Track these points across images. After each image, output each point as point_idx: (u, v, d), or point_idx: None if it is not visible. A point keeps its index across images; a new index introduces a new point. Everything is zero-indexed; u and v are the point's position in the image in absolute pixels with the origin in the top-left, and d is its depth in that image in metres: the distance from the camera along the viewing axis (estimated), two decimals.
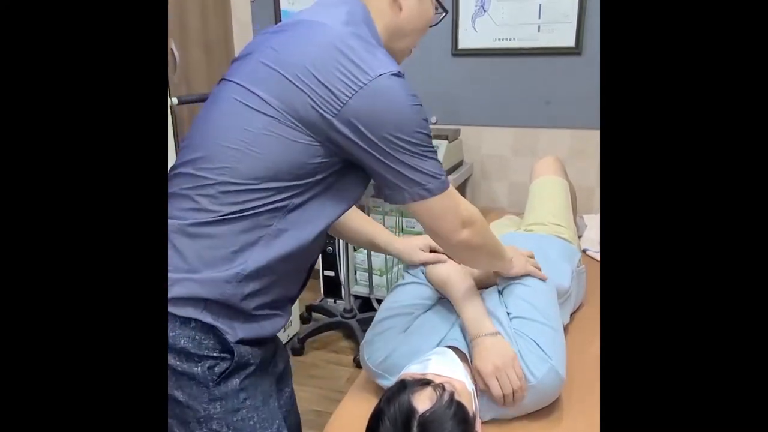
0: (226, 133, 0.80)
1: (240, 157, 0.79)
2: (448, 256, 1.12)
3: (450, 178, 2.08)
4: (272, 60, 0.80)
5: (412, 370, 0.93)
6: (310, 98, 0.76)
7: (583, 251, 1.86)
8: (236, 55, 0.95)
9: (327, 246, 2.32)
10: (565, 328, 1.24)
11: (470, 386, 0.93)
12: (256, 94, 0.79)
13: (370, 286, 2.33)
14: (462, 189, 2.36)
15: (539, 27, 2.15)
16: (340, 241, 2.21)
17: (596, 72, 2.11)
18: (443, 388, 0.84)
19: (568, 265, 1.35)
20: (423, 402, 0.82)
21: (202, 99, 1.61)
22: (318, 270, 2.57)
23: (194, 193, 0.81)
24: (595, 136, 2.18)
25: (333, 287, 2.38)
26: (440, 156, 2.04)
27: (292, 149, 0.79)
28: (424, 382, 0.86)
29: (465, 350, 1.02)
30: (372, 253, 2.32)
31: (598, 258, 1.79)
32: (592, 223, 2.05)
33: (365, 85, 0.76)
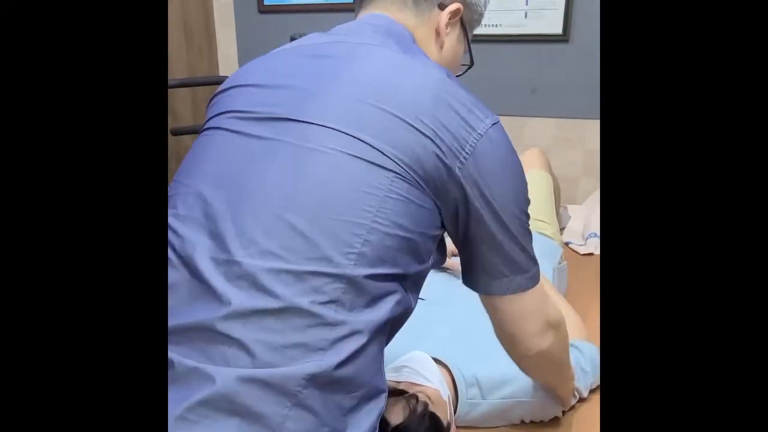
0: (336, 203, 0.57)
1: (366, 236, 0.57)
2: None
3: None
4: (374, 97, 0.60)
5: (387, 376, 0.92)
6: (437, 146, 0.60)
7: (566, 244, 1.86)
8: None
9: None
10: None
11: (446, 394, 0.92)
12: (368, 144, 0.59)
13: None
14: None
15: (526, 13, 2.11)
16: None
17: (584, 60, 2.08)
18: (416, 399, 0.84)
19: (549, 264, 1.34)
20: (396, 415, 0.81)
21: (195, 131, 1.44)
22: None
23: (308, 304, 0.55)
24: (580, 125, 2.16)
25: None
26: None
27: (421, 216, 0.61)
28: (398, 393, 0.85)
29: (444, 360, 1.01)
30: None
31: (581, 251, 1.78)
32: (576, 214, 2.04)
33: (484, 133, 0.63)
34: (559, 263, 1.41)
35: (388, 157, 0.58)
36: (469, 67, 0.86)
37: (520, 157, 1.64)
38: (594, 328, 1.30)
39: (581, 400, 1.05)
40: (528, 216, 0.70)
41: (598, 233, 1.81)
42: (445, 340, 1.05)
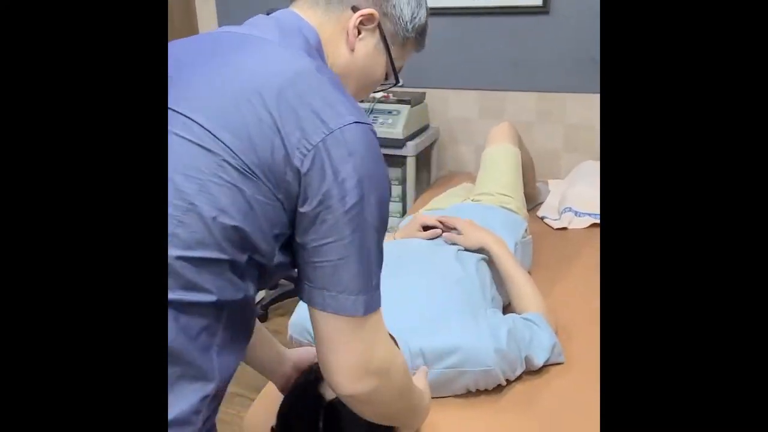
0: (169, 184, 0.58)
1: (181, 218, 0.57)
2: None
3: (414, 142, 2.04)
4: (225, 81, 0.61)
5: None
6: (276, 133, 0.58)
7: (541, 218, 1.85)
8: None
9: None
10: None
11: None
12: (202, 126, 0.58)
13: None
14: (428, 153, 2.33)
15: None
16: None
17: (564, 32, 2.05)
18: None
19: (511, 238, 1.34)
20: (330, 390, 0.81)
21: None
22: None
23: None
24: (562, 99, 2.13)
25: None
26: (401, 121, 2.01)
27: (253, 208, 0.59)
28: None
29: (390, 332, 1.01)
30: None
31: (555, 225, 1.78)
32: (556, 188, 2.03)
33: (336, 129, 0.60)
34: (523, 237, 1.41)
35: (220, 141, 0.58)
36: (394, 85, 0.84)
37: (490, 133, 1.61)
38: (558, 301, 1.31)
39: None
40: (380, 234, 0.63)
41: (573, 208, 1.80)
42: (392, 312, 1.05)
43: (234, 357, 0.65)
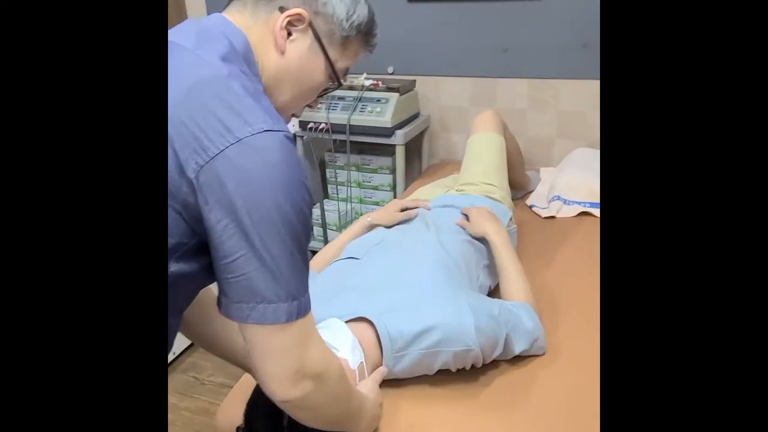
0: None
1: None
2: None
3: (404, 131, 2.02)
4: None
5: None
6: (170, 143, 0.57)
7: (530, 207, 1.83)
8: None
9: None
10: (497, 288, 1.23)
11: (356, 362, 0.92)
12: None
13: (325, 240, 2.32)
14: (419, 142, 2.31)
15: None
16: None
17: (556, 18, 2.01)
18: None
19: None
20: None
21: None
22: None
23: None
24: (554, 85, 2.10)
25: None
26: (389, 110, 1.98)
27: None
28: None
29: (370, 316, 1.00)
30: (326, 207, 2.29)
31: (543, 214, 1.76)
32: (547, 177, 2.00)
33: (242, 138, 0.58)
34: (508, 226, 1.39)
35: None
36: (336, 88, 0.81)
37: (474, 121, 1.61)
38: (544, 290, 1.29)
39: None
40: (298, 241, 0.62)
41: (562, 196, 1.77)
42: (372, 295, 1.04)
43: None
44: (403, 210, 1.36)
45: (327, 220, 2.29)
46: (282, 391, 0.64)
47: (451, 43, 2.19)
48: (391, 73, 2.30)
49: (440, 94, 2.27)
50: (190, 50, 0.64)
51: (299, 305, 0.63)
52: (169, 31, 0.68)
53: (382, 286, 1.05)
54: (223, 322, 0.90)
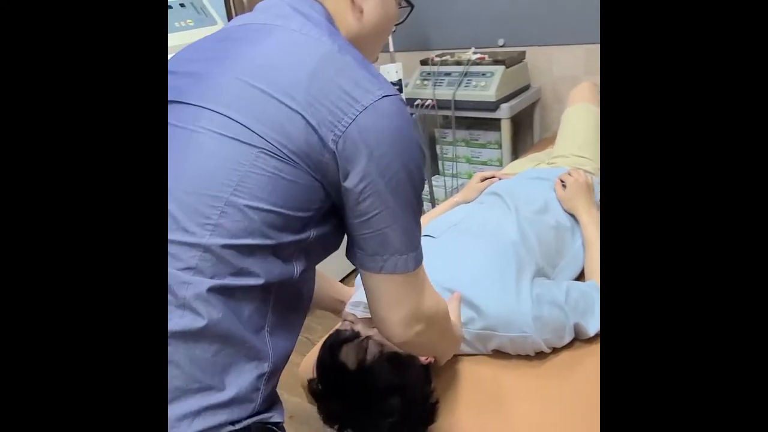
0: (199, 179, 0.62)
1: (224, 208, 0.61)
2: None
3: (510, 104, 1.99)
4: (254, 77, 0.63)
5: (356, 299, 0.98)
6: (306, 120, 0.61)
7: None
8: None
9: None
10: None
11: None
12: (238, 122, 0.62)
13: None
14: (529, 115, 2.25)
15: None
16: None
17: None
18: (368, 342, 0.86)
19: None
20: (350, 360, 0.85)
21: None
22: None
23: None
24: None
25: None
26: (494, 83, 1.96)
27: (292, 191, 0.63)
28: (353, 336, 0.88)
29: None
30: (434, 182, 2.33)
31: None
32: None
33: (369, 105, 0.62)
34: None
35: (255, 133, 0.61)
36: (411, 9, 0.83)
37: (571, 92, 1.56)
38: None
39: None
40: (417, 196, 0.67)
41: None
42: (435, 275, 1.07)
43: (287, 336, 0.70)
44: (483, 180, 1.36)
45: (435, 196, 2.33)
46: (399, 334, 0.72)
47: (564, 10, 2.09)
48: (502, 46, 2.25)
49: (553, 64, 2.18)
50: (297, 31, 0.67)
51: (418, 255, 0.70)
52: (258, 10, 0.73)
53: (447, 267, 1.08)
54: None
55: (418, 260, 0.70)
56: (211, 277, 0.61)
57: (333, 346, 0.89)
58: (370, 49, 0.79)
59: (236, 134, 0.61)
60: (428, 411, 0.89)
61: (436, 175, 2.42)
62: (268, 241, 0.63)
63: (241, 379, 0.63)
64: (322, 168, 0.63)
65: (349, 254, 0.71)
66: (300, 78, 0.62)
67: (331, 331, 0.96)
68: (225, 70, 0.65)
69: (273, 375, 0.67)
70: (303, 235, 0.66)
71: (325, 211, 0.67)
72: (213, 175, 0.61)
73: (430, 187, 2.31)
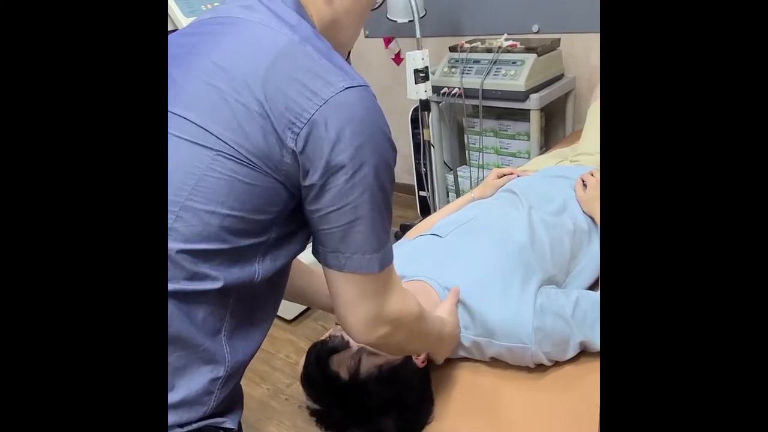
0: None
1: (178, 213, 0.59)
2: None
3: (540, 94, 1.90)
4: (212, 75, 0.60)
5: None
6: (265, 118, 0.58)
7: None
8: None
9: (421, 166, 2.32)
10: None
11: None
12: (195, 123, 0.59)
13: None
14: (562, 105, 2.15)
15: None
16: (431, 161, 2.19)
17: None
18: (364, 353, 0.85)
19: None
20: (343, 369, 0.84)
21: None
22: (414, 189, 2.60)
23: None
24: None
25: (427, 207, 2.40)
26: (524, 72, 1.87)
27: (251, 195, 0.60)
28: (336, 348, 0.86)
29: (432, 284, 1.00)
30: (459, 174, 2.27)
31: None
32: None
33: (329, 99, 0.59)
34: None
35: (212, 134, 0.58)
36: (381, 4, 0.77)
37: (597, 87, 1.47)
38: None
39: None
40: (385, 193, 0.63)
41: None
42: (436, 275, 1.04)
43: (250, 338, 0.68)
44: (501, 177, 1.30)
45: (460, 187, 2.27)
46: (361, 336, 0.69)
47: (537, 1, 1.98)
48: (536, 32, 2.16)
49: (590, 52, 2.08)
50: (259, 23, 0.64)
51: (385, 255, 0.66)
52: (228, 4, 0.70)
53: (449, 268, 1.03)
54: (310, 275, 0.98)
55: (385, 262, 0.66)
56: (169, 280, 0.59)
57: (319, 356, 0.86)
58: (347, 36, 0.74)
59: (192, 136, 0.59)
60: (425, 413, 0.90)
61: (463, 166, 2.35)
62: (226, 245, 0.61)
63: (193, 382, 0.62)
64: (284, 169, 0.60)
65: (314, 250, 0.68)
66: (257, 74, 0.59)
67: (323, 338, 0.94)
68: (186, 70, 0.62)
69: (230, 379, 0.66)
70: (264, 237, 0.63)
71: (290, 212, 0.64)
72: (169, 180, 0.59)
73: (455, 177, 2.25)
